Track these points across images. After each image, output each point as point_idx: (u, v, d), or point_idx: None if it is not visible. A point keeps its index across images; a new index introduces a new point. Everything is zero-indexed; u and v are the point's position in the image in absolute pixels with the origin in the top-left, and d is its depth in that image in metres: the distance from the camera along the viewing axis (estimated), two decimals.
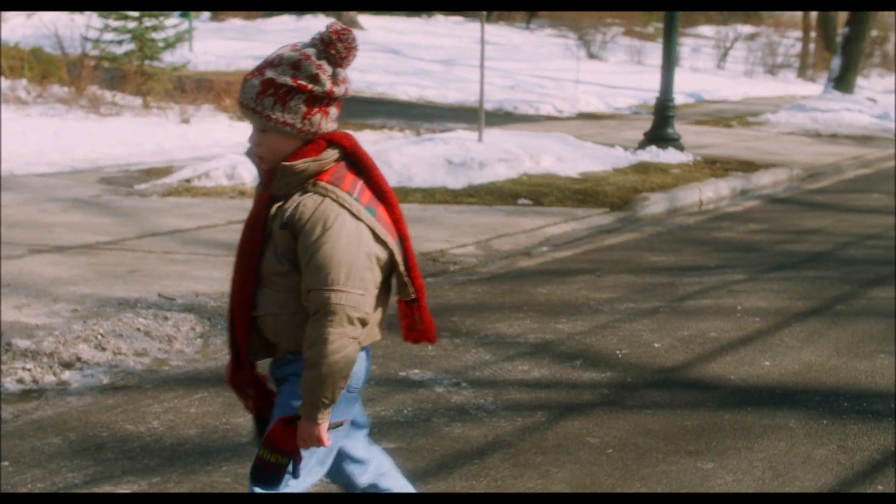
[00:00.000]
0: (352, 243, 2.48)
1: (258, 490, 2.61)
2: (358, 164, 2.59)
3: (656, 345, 6.03)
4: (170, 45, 15.47)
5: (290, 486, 2.61)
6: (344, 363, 2.46)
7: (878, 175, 14.03)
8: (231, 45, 23.70)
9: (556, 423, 4.81)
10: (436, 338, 2.78)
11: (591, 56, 29.56)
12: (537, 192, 10.81)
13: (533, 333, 6.24)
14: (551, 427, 4.77)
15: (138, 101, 15.05)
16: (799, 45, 32.43)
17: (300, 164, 2.51)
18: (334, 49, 2.51)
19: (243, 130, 13.71)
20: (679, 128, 15.04)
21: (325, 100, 2.53)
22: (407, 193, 10.49)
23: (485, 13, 12.49)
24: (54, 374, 5.63)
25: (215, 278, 7.06)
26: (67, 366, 5.68)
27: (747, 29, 40.22)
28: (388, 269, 2.62)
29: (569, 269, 8.03)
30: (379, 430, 4.64)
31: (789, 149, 15.88)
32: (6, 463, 4.29)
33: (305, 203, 2.50)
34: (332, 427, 2.58)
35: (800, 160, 14.56)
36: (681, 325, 6.42)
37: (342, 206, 2.50)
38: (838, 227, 9.91)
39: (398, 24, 32.46)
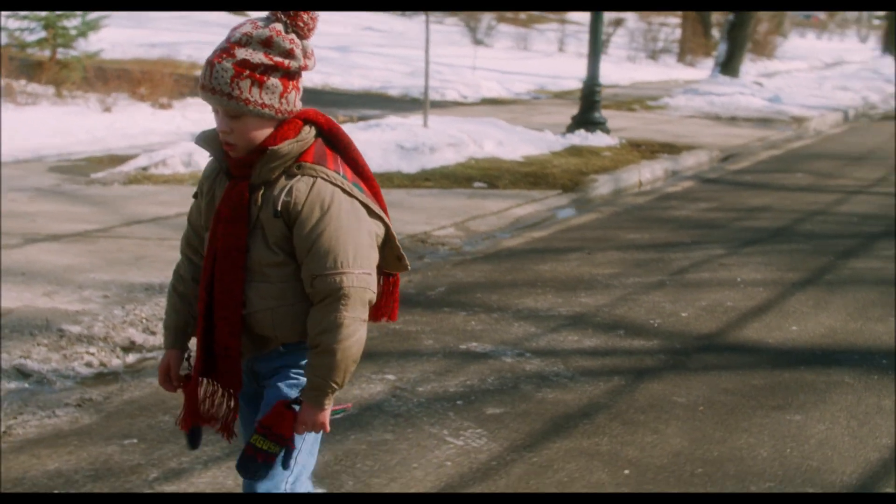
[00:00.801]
0: (352, 222, 2.43)
1: (261, 490, 2.53)
2: (334, 140, 2.53)
3: (683, 314, 6.53)
4: (82, 33, 15.25)
5: (300, 486, 2.59)
6: (357, 347, 2.42)
7: (790, 156, 14.95)
8: (123, 34, 23.31)
9: (636, 387, 5.25)
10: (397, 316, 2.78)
11: (478, 42, 30.13)
12: (489, 176, 11.24)
13: (562, 307, 6.66)
14: (634, 390, 5.20)
15: (51, 90, 14.83)
16: (678, 32, 33.75)
17: (286, 146, 2.42)
18: (301, 21, 2.42)
19: (167, 118, 13.72)
20: (557, 109, 15.70)
21: (296, 76, 2.45)
22: None
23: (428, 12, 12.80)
24: (117, 356, 5.78)
25: None
26: (126, 349, 5.82)
27: (612, 15, 41.41)
28: (382, 244, 2.59)
29: (555, 247, 8.47)
30: (475, 399, 5.00)
31: (697, 131, 16.71)
32: (134, 440, 4.47)
33: (297, 187, 2.42)
34: (337, 412, 2.54)
35: (711, 142, 15.37)
36: (694, 296, 6.94)
37: (334, 184, 2.44)
38: (782, 205, 10.64)
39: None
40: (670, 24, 34.36)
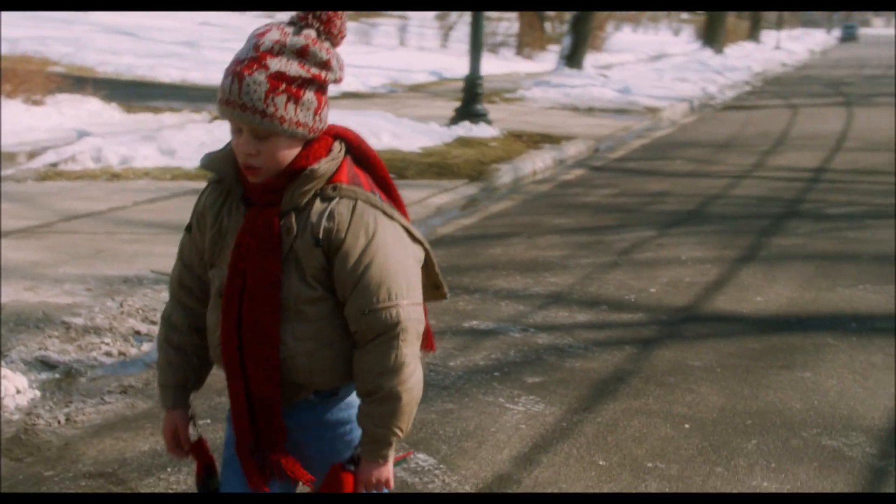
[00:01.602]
0: (400, 249, 2.22)
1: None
2: (362, 158, 2.29)
3: (652, 290, 7.12)
4: None
5: None
6: (420, 387, 2.22)
7: (659, 145, 15.91)
8: None
9: (649, 354, 5.79)
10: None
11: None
12: (396, 167, 11.64)
13: (535, 287, 7.16)
14: (649, 357, 5.74)
15: None
16: (515, 26, 34.80)
17: (322, 166, 2.18)
18: (335, 27, 2.19)
19: (44, 115, 13.51)
20: (446, 103, 16.29)
21: (327, 89, 2.21)
22: None
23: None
24: (132, 345, 5.95)
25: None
26: (136, 338, 5.99)
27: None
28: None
29: (492, 233, 8.97)
30: (510, 370, 5.44)
31: (563, 122, 17.53)
32: (208, 420, 4.73)
33: (338, 211, 2.18)
34: (399, 462, 2.35)
35: (581, 132, 16.19)
36: (652, 274, 7.56)
37: (375, 207, 2.21)
38: (680, 190, 11.45)
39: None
40: (507, 19, 35.38)
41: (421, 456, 4.34)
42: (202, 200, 2.32)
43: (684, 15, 75.08)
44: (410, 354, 2.19)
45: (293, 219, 2.19)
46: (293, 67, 2.12)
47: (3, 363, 5.29)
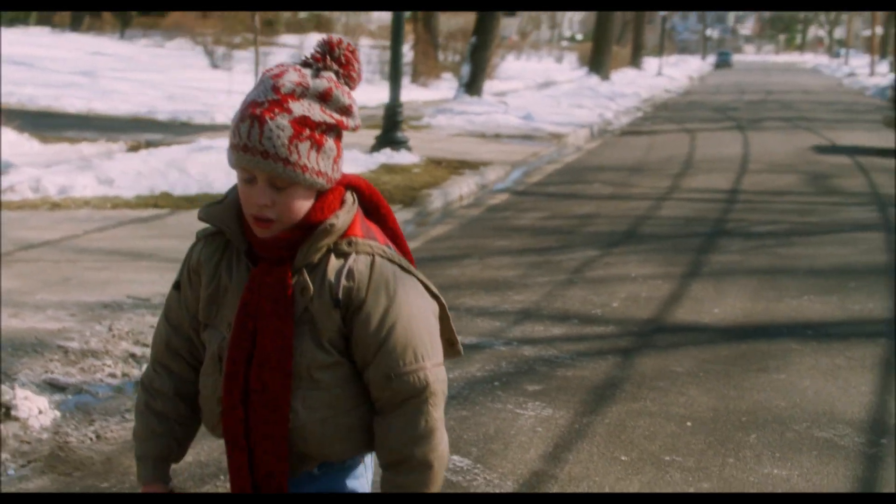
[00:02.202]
0: (421, 305, 2.11)
1: None
2: (372, 208, 2.18)
3: (614, 304, 7.63)
4: None
5: None
6: (448, 452, 2.14)
7: (572, 169, 16.54)
8: None
9: (632, 362, 6.27)
10: None
11: (215, 66, 30.45)
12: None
13: (505, 304, 7.60)
14: (633, 364, 6.22)
15: None
16: (410, 55, 35.40)
17: (341, 219, 2.06)
18: (354, 70, 2.09)
19: None
20: (362, 131, 16.64)
21: (342, 137, 2.08)
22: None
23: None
24: (132, 366, 6.21)
25: (147, 280, 7.72)
26: (137, 361, 6.25)
27: (319, 37, 42.76)
28: None
29: (441, 255, 9.38)
30: (508, 380, 5.85)
31: (475, 149, 18.06)
32: None
33: (357, 269, 2.06)
34: None
35: (495, 158, 16.73)
36: (609, 290, 8.06)
37: (392, 262, 2.09)
38: (608, 212, 12.03)
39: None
40: (364, 45, 36.01)
41: (456, 458, 4.70)
42: (195, 255, 2.16)
43: (564, 42, 76.94)
44: (439, 419, 2.08)
45: (306, 278, 2.04)
46: (316, 112, 1.99)
47: (17, 386, 5.46)
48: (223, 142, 13.56)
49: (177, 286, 2.22)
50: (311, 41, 41.03)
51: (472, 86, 24.93)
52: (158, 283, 7.63)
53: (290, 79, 2.00)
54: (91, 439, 4.95)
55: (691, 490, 4.38)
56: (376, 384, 2.07)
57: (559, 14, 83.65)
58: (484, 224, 11.04)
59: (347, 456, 2.14)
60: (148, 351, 6.23)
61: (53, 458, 4.71)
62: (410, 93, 29.92)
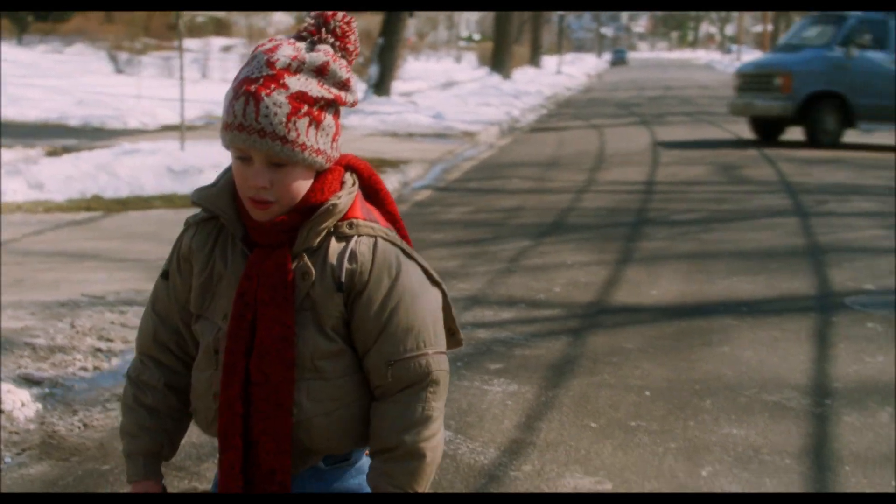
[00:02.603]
0: (423, 291, 2.06)
1: None
2: (371, 191, 2.11)
3: (556, 290, 8.02)
4: None
5: None
6: (442, 448, 2.07)
7: (489, 166, 16.95)
8: None
9: (584, 340, 6.65)
10: None
11: (119, 71, 30.27)
12: None
13: (452, 292, 7.77)
14: (586, 343, 6.60)
15: None
16: None
17: (343, 200, 1.99)
18: (350, 43, 2.00)
19: None
20: None
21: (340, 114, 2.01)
22: (148, 201, 11.42)
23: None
24: (100, 360, 6.41)
25: (97, 279, 7.92)
26: (102, 354, 6.46)
27: (221, 41, 42.89)
28: None
29: None
30: (470, 360, 6.19)
31: (390, 148, 18.39)
32: None
33: (360, 251, 1.99)
34: None
35: (413, 156, 17.07)
36: (549, 276, 8.45)
37: (395, 245, 2.04)
38: (533, 205, 12.45)
39: None
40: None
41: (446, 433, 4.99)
42: (185, 242, 2.08)
43: (462, 43, 77.64)
44: (438, 409, 2.01)
45: (307, 262, 1.97)
46: (314, 87, 1.91)
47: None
48: (148, 145, 13.71)
49: (165, 275, 2.11)
50: (212, 45, 40.96)
51: (380, 86, 25.24)
52: (108, 281, 7.81)
53: (285, 53, 1.91)
54: (79, 428, 5.14)
55: (660, 450, 4.75)
56: (376, 370, 1.99)
57: (456, 14, 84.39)
58: (413, 219, 11.33)
59: (350, 449, 2.06)
60: (113, 346, 6.46)
61: (46, 446, 4.90)
62: None
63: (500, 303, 7.48)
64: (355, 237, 2.01)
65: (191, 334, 2.11)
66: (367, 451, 2.10)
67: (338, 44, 1.99)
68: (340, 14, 1.99)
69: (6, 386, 5.55)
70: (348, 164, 2.07)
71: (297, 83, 1.90)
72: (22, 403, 5.48)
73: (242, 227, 2.01)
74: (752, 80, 19.50)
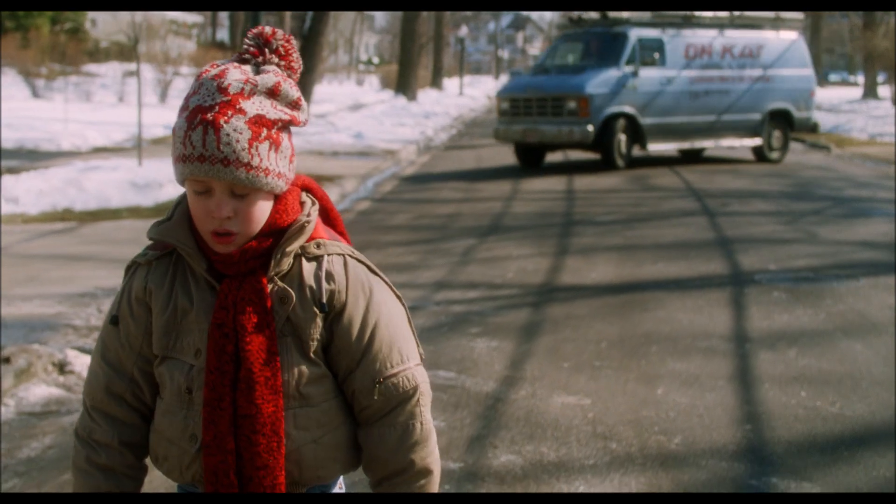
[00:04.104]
0: (394, 305, 2.04)
1: None
2: (322, 212, 2.08)
3: (509, 275, 9.46)
4: None
5: None
6: (439, 456, 2.04)
7: (417, 179, 18.32)
8: None
9: (543, 310, 8.07)
10: None
11: (37, 96, 31.11)
12: None
13: (418, 280, 9.32)
14: (545, 311, 8.03)
15: None
16: None
17: (312, 219, 1.97)
18: (294, 61, 1.97)
19: None
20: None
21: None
22: (116, 213, 12.63)
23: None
24: None
25: (102, 276, 9.12)
26: None
27: (123, 66, 43.74)
28: None
29: None
30: (450, 328, 7.52)
31: (319, 165, 19.63)
32: None
33: (334, 270, 1.97)
34: None
35: (342, 172, 18.32)
36: (500, 265, 9.88)
37: (361, 262, 2.02)
38: (467, 211, 13.88)
39: None
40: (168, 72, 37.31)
41: (442, 372, 6.37)
42: (137, 284, 1.99)
43: (361, 66, 79.06)
44: (429, 421, 2.00)
45: (284, 285, 1.94)
46: (269, 109, 1.88)
47: (66, 348, 6.86)
48: (106, 162, 14.83)
49: (114, 321, 2.00)
50: (112, 70, 41.67)
51: None
52: (112, 277, 8.99)
53: (235, 77, 1.86)
54: None
55: (622, 379, 6.19)
56: (363, 391, 1.96)
57: (356, 38, 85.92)
58: (363, 226, 12.66)
59: (337, 475, 2.03)
60: None
61: None
62: None
63: (463, 286, 8.87)
64: (325, 256, 1.97)
65: (147, 381, 2.00)
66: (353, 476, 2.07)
67: (282, 63, 1.95)
68: (280, 32, 1.95)
69: (72, 353, 6.74)
70: (303, 185, 2.03)
71: (253, 107, 1.86)
72: (86, 365, 6.68)
73: (206, 258, 1.94)
74: (530, 105, 18.58)
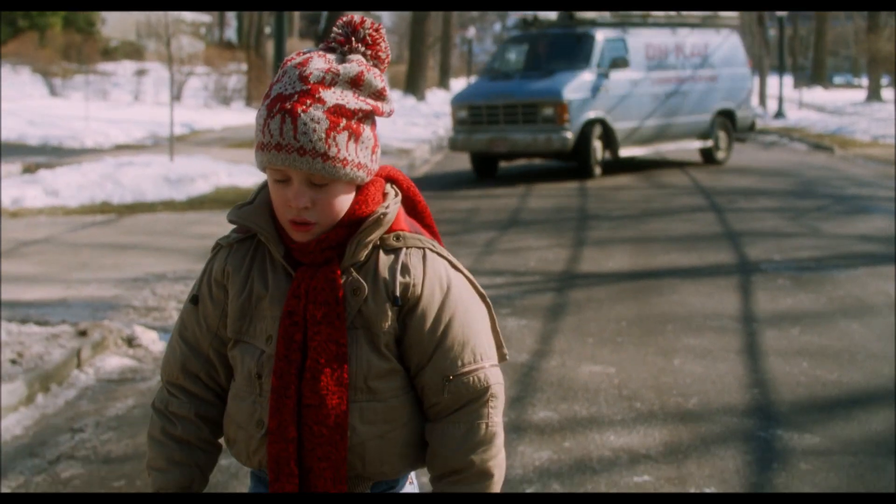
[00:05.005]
0: (473, 302, 2.02)
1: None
2: (409, 204, 2.05)
3: (531, 264, 10.19)
4: None
5: None
6: (505, 461, 1.99)
7: (433, 177, 18.99)
8: None
9: (566, 294, 8.80)
10: None
11: (54, 95, 31.91)
12: (246, 198, 14.25)
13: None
14: (568, 295, 8.75)
15: None
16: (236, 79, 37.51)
17: (390, 210, 1.93)
18: (381, 51, 1.93)
19: None
20: (218, 152, 19.05)
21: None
22: (151, 207, 13.39)
23: None
24: None
25: (150, 263, 9.89)
26: None
27: (133, 65, 44.61)
28: None
29: None
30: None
31: None
32: None
33: (412, 263, 1.93)
34: None
35: None
36: (522, 255, 10.61)
37: (442, 257, 2.00)
38: (486, 206, 14.55)
39: None
40: (238, 72, 38.03)
41: None
42: (217, 265, 2.01)
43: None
44: (500, 424, 1.97)
45: (358, 276, 1.92)
46: (350, 99, 1.86)
47: (133, 325, 7.60)
48: (139, 158, 15.58)
49: (194, 300, 2.03)
50: (123, 68, 42.44)
51: None
52: (159, 264, 9.75)
53: (317, 66, 1.85)
54: None
55: (642, 352, 6.91)
56: (433, 388, 1.94)
57: None
58: None
59: (401, 473, 2.00)
60: None
61: None
62: (247, 116, 31.98)
63: (490, 273, 9.60)
64: (404, 249, 1.94)
65: (222, 363, 2.02)
66: (423, 477, 2.05)
67: (369, 52, 1.92)
68: (368, 21, 1.92)
69: (138, 329, 7.48)
70: (388, 176, 2.01)
71: (333, 96, 1.84)
72: (153, 341, 7.42)
73: (283, 245, 1.93)
74: (496, 112, 17.47)
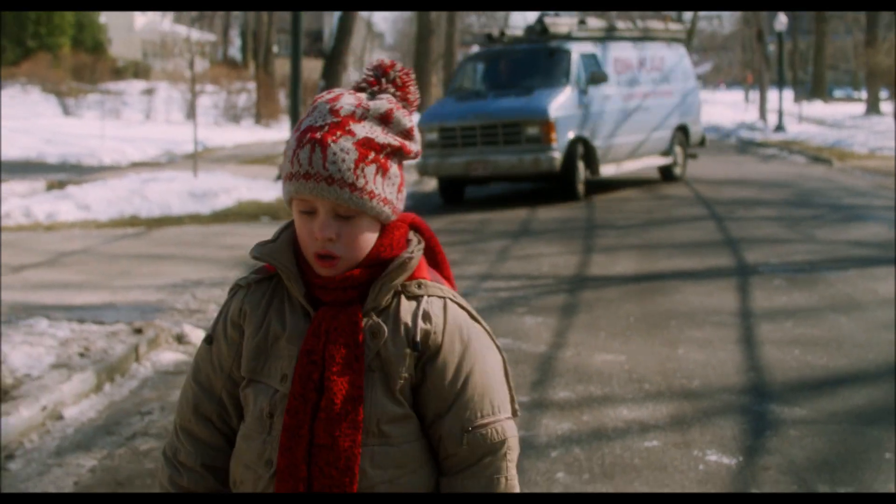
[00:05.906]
0: (491, 354, 2.02)
1: None
2: (429, 253, 2.07)
3: (544, 269, 10.96)
4: None
5: None
6: None
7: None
8: None
9: (578, 294, 9.58)
10: None
11: (67, 114, 32.83)
12: (268, 212, 14.99)
13: (466, 272, 10.79)
14: (580, 295, 9.53)
15: None
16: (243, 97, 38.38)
17: (415, 256, 1.95)
18: (410, 94, 1.99)
19: None
20: (234, 168, 19.80)
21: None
22: (178, 220, 14.18)
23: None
24: None
25: (185, 271, 10.58)
26: None
27: (140, 84, 45.53)
28: None
29: None
30: (503, 309, 9.06)
31: None
32: None
33: (433, 311, 1.95)
34: None
35: None
36: (535, 261, 11.36)
37: (462, 308, 2.01)
38: (497, 218, 15.29)
39: None
40: (247, 90, 38.90)
41: (500, 339, 7.88)
42: (234, 306, 2.02)
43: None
44: (516, 478, 1.98)
45: (379, 320, 1.93)
46: (379, 134, 1.89)
47: (182, 324, 8.37)
48: (164, 174, 16.38)
49: (209, 340, 2.05)
50: (132, 87, 43.35)
51: None
52: (195, 272, 10.48)
53: (348, 101, 1.91)
54: None
55: (649, 343, 7.67)
56: (450, 438, 1.94)
57: (366, 56, 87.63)
58: None
59: None
60: None
61: None
62: (257, 133, 32.83)
63: (505, 277, 10.37)
64: (425, 297, 1.96)
65: (234, 405, 2.03)
66: None
67: (398, 94, 1.97)
68: (399, 65, 1.99)
69: (187, 327, 8.24)
70: (412, 223, 2.03)
71: (362, 130, 1.88)
72: (200, 338, 8.13)
73: (304, 284, 1.95)
74: (472, 133, 16.35)
